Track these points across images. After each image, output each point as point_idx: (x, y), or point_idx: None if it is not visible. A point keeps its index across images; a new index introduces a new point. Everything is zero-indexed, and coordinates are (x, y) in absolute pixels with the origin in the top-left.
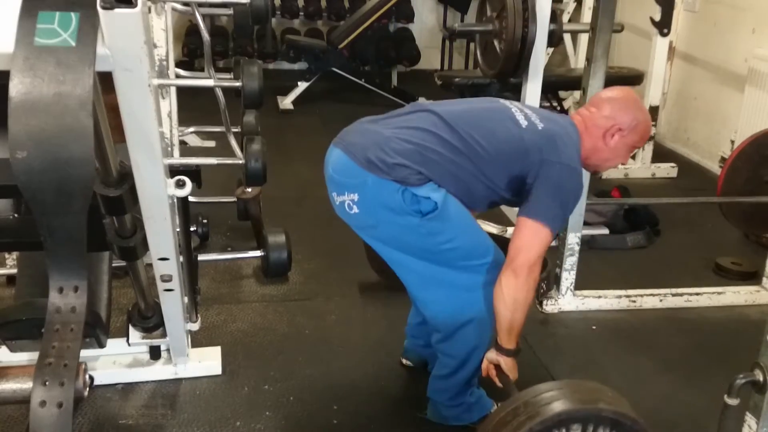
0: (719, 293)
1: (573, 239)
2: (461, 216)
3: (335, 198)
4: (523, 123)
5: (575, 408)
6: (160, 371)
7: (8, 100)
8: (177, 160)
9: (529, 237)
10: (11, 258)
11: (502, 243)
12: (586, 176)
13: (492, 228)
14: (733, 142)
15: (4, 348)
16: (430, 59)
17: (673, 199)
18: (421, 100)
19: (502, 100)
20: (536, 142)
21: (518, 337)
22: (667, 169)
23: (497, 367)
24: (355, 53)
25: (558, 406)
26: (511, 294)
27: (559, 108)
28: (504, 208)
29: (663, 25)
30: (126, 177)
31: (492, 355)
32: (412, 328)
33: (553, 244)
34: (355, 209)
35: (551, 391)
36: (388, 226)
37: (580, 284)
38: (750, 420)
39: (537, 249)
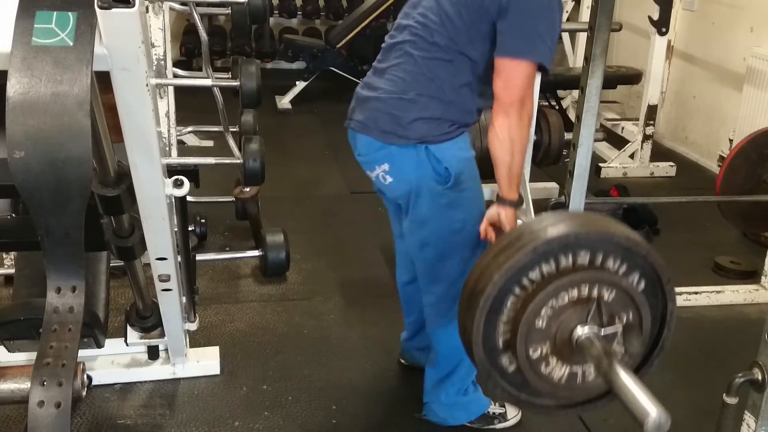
0: (718, 292)
1: None
2: (476, 197)
3: (370, 175)
4: None
5: (584, 231)
6: (158, 371)
7: (6, 100)
8: (175, 159)
9: (507, 75)
10: (9, 258)
11: None
12: None
13: None
14: (731, 140)
15: (2, 348)
16: None
17: (672, 198)
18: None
19: None
20: None
21: (519, 185)
22: (666, 168)
23: (497, 231)
24: (353, 52)
25: (565, 228)
26: (506, 134)
27: (557, 107)
28: None
29: (661, 24)
30: (124, 177)
31: (492, 210)
32: (407, 332)
33: None
34: (389, 179)
35: (558, 216)
36: (419, 195)
37: None
38: (749, 419)
39: (520, 83)
